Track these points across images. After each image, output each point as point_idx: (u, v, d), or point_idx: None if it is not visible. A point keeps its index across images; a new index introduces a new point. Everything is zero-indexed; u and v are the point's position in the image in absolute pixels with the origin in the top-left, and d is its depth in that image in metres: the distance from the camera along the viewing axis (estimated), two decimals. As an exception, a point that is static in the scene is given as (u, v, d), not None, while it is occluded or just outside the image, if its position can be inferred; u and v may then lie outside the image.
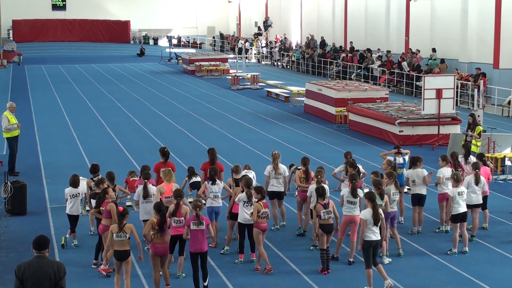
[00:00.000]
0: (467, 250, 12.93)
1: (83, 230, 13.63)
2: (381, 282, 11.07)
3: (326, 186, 12.54)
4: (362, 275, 11.33)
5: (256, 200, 11.93)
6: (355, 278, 11.65)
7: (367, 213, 11.05)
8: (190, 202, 12.64)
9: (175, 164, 14.83)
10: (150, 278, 11.35)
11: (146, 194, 12.57)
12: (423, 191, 13.95)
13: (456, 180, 12.84)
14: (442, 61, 35.44)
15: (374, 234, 11.00)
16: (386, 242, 12.30)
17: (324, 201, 11.95)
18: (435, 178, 14.12)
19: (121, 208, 10.85)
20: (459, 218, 12.78)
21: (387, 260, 12.32)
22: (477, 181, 13.49)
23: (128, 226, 10.62)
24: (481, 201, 13.65)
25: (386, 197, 12.33)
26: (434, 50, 37.43)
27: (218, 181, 12.99)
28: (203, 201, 12.25)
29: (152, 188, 12.73)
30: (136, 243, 10.67)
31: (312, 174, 13.68)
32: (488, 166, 15.31)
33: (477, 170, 13.64)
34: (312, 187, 12.80)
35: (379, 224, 11.05)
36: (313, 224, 12.40)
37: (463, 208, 12.77)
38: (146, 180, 12.73)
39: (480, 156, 14.90)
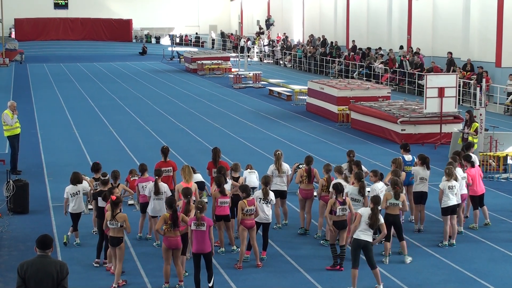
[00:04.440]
0: (454, 243, 13.11)
1: (85, 229, 13.63)
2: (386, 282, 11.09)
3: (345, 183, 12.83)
4: (364, 273, 11.32)
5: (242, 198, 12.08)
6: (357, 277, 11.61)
7: (365, 211, 11.06)
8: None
9: (177, 163, 14.82)
10: (152, 277, 11.38)
11: (157, 191, 12.65)
12: (425, 188, 13.97)
13: (448, 174, 13.08)
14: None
15: (364, 234, 10.90)
16: (404, 241, 12.42)
17: (343, 198, 11.98)
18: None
19: (113, 197, 11.00)
20: (449, 211, 13.06)
21: (408, 259, 12.34)
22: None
23: (120, 215, 10.80)
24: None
25: (403, 197, 12.45)
26: (401, 47, 39.30)
27: (227, 179, 13.10)
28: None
29: (163, 186, 12.79)
30: (126, 232, 11.21)
31: (315, 171, 13.77)
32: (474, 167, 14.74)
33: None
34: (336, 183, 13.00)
35: (374, 229, 11.00)
36: (327, 219, 12.34)
37: (452, 202, 13.03)
38: (157, 177, 12.82)
39: (466, 158, 14.27)
